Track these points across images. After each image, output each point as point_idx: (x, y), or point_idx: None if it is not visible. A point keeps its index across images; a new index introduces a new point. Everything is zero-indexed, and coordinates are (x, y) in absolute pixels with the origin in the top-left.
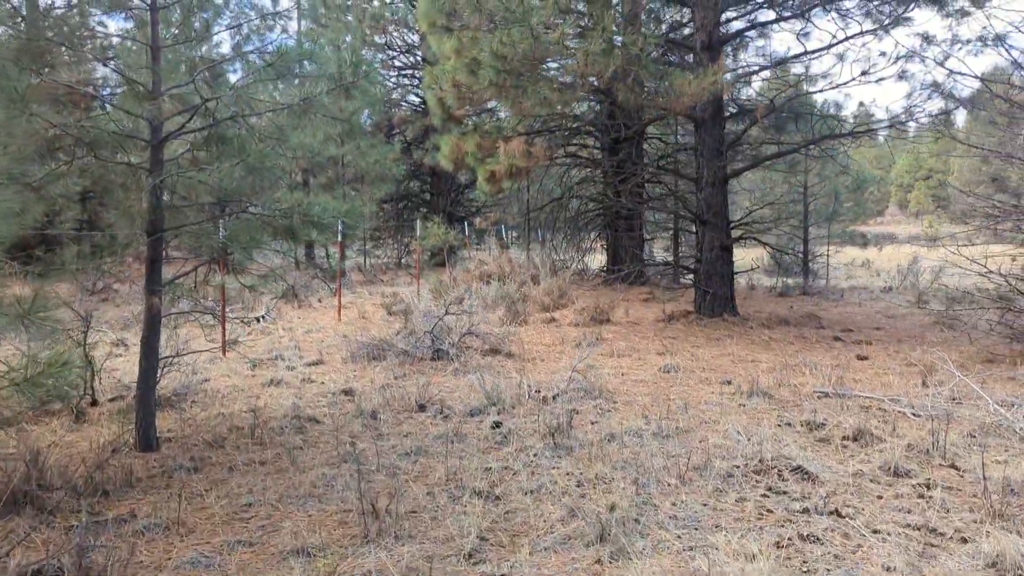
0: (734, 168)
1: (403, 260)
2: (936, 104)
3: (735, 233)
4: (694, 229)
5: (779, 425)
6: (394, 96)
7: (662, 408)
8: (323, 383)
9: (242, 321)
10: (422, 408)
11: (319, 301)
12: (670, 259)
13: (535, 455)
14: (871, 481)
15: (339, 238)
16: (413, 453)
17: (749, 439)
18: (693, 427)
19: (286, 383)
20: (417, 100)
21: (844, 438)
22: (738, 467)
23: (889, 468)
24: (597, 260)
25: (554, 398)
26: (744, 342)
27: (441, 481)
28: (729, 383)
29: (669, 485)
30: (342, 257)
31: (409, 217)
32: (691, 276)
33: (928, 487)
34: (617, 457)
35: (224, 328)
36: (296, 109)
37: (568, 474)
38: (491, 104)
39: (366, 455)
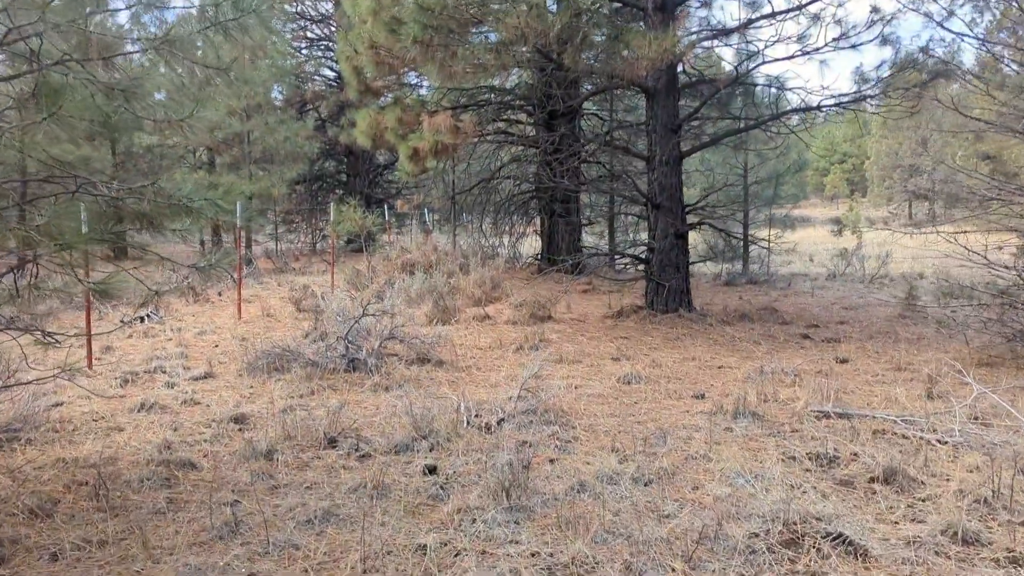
0: (685, 148)
1: (318, 246)
2: (915, 75)
3: (690, 219)
4: (642, 214)
5: (783, 459)
6: (307, 69)
7: (633, 436)
8: (209, 405)
9: (121, 322)
10: (332, 443)
11: (219, 295)
12: (617, 247)
13: (484, 522)
14: (937, 554)
15: (238, 223)
16: (318, 519)
17: (756, 486)
18: (679, 466)
19: (162, 407)
20: (332, 75)
21: (872, 479)
22: (758, 536)
23: (952, 532)
24: (529, 247)
25: (499, 424)
26: (706, 343)
27: (356, 574)
28: (703, 397)
29: (674, 571)
30: (240, 246)
31: (324, 199)
32: (641, 267)
33: (1016, 562)
34: (595, 522)
35: (89, 335)
36: (160, 51)
37: (533, 555)
38: (413, 76)
39: (253, 524)
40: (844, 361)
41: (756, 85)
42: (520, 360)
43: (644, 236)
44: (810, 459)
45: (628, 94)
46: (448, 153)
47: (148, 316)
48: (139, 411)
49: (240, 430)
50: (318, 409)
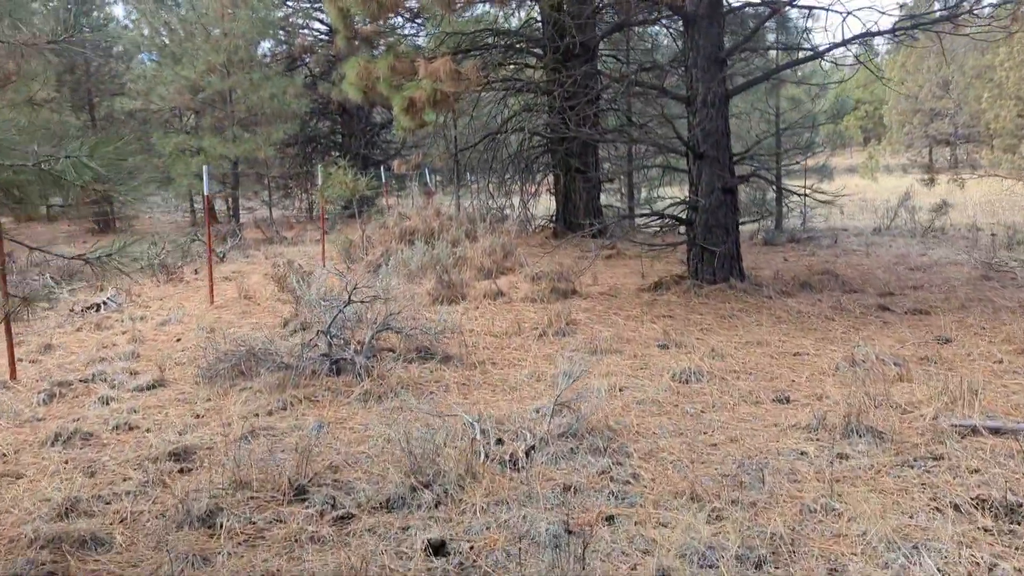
0: (732, 86)
1: (315, 213)
2: None
3: (740, 171)
4: (667, 166)
5: (939, 508)
6: (296, 22)
7: (715, 471)
8: (148, 432)
9: (72, 311)
10: (301, 494)
11: (196, 273)
12: (641, 205)
13: None
14: None
15: (205, 190)
16: None
17: (922, 564)
18: (797, 529)
19: (85, 436)
20: (323, 27)
21: None
22: None
23: None
24: (542, 207)
25: (528, 455)
26: (770, 320)
27: None
28: (788, 401)
29: None
30: (209, 218)
31: (318, 162)
32: (682, 229)
33: None
34: None
35: (9, 334)
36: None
37: None
38: (409, 27)
39: None
40: (947, 342)
41: (812, 8)
42: (545, 351)
43: (667, 193)
44: (980, 508)
45: (650, 33)
46: (448, 104)
47: (105, 303)
48: (53, 444)
49: (180, 471)
50: (288, 435)
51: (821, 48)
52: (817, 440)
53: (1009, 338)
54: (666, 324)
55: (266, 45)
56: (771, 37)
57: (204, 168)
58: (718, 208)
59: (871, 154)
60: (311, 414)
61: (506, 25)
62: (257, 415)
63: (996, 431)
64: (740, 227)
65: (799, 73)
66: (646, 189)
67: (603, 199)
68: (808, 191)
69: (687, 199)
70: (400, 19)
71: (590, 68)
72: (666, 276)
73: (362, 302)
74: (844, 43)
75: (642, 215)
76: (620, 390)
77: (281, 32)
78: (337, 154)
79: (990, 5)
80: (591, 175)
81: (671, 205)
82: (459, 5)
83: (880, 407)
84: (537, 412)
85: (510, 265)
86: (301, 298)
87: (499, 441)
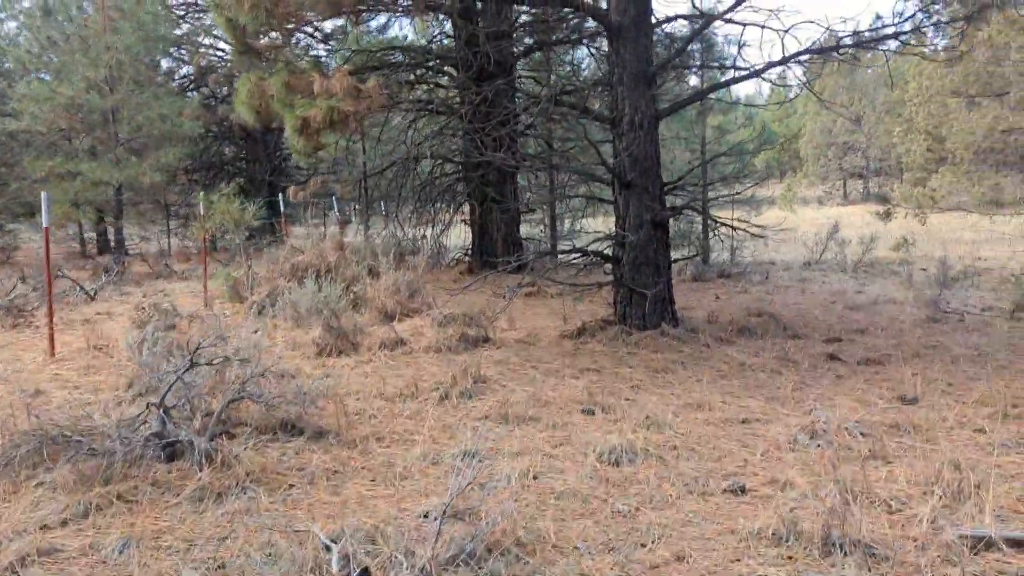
0: (663, 106)
1: (217, 243)
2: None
3: (670, 202)
4: (589, 196)
5: None
6: (196, 40)
7: None
8: None
9: None
10: None
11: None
12: (564, 239)
13: None
14: None
15: (44, 221)
16: None
17: None
18: None
19: None
20: (228, 46)
21: None
22: None
23: None
24: (458, 238)
25: None
26: (710, 375)
27: None
28: (742, 490)
29: None
30: (48, 252)
31: (209, 189)
32: (608, 268)
33: None
34: None
35: None
36: None
37: None
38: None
39: None
40: (914, 402)
41: (746, 25)
42: (446, 419)
43: (593, 226)
44: None
45: (574, 59)
46: (348, 125)
47: None
48: None
49: None
50: (76, 563)
51: (758, 67)
52: (790, 558)
53: (984, 399)
54: (591, 381)
55: (165, 64)
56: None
57: (43, 196)
58: (648, 244)
59: (789, 186)
60: (119, 524)
61: (419, 42)
62: (45, 526)
63: (1018, 544)
64: (672, 265)
65: (726, 100)
66: (570, 220)
67: (524, 231)
68: (739, 224)
69: (613, 234)
70: (301, 35)
71: (506, 88)
72: (591, 320)
73: (210, 364)
74: (783, 61)
75: (563, 251)
76: (534, 477)
77: (180, 50)
78: (243, 180)
79: (937, 24)
80: (509, 205)
81: (595, 240)
82: (348, 9)
83: (858, 502)
84: (425, 517)
85: (416, 306)
86: (132, 357)
87: (364, 572)
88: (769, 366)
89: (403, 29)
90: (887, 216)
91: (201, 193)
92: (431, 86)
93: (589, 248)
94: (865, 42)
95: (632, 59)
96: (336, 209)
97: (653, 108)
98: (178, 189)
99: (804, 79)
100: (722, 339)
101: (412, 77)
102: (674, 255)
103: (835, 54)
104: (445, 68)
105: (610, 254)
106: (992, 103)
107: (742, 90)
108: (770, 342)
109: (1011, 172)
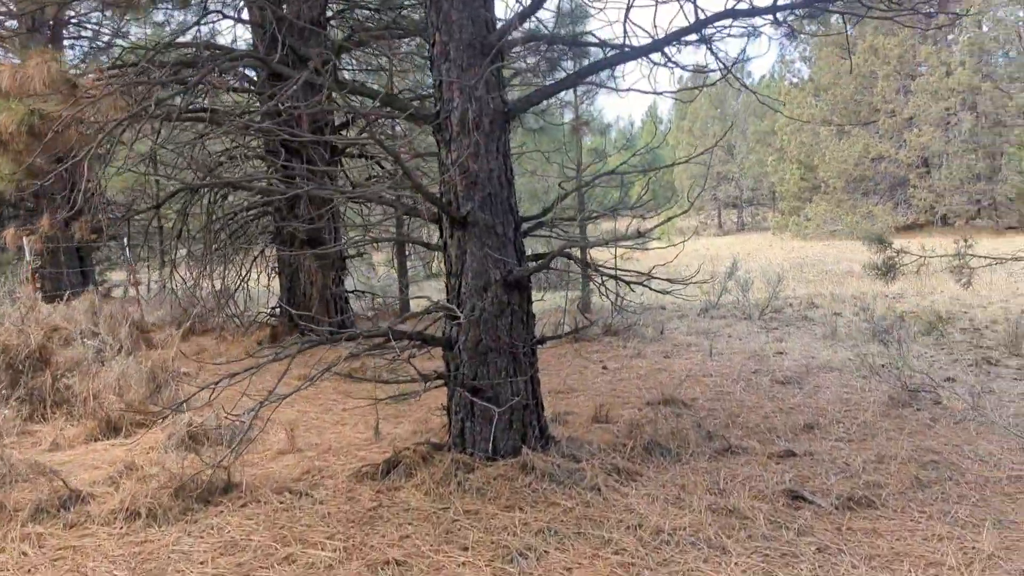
0: (515, 97)
1: None
2: None
3: (534, 246)
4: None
5: None
6: None
7: None
8: None
9: None
10: None
11: None
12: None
13: None
14: None
15: None
16: None
17: None
18: None
19: None
20: None
21: None
22: None
23: None
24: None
25: None
26: (607, 567)
27: None
28: None
29: None
30: None
31: None
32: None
33: None
34: None
35: None
36: None
37: None
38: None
39: None
40: None
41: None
42: None
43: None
44: None
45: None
46: (66, 138)
47: None
48: None
49: None
50: None
51: (657, 39)
52: None
53: None
54: None
55: None
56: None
57: None
58: (498, 317)
59: (668, 217)
60: None
61: (208, 38)
62: None
63: None
64: (536, 350)
65: (601, 121)
66: (428, 266)
67: (355, 282)
68: (628, 274)
69: (438, 303)
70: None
71: (313, 78)
72: (412, 444)
73: None
74: (691, 30)
75: (372, 334)
76: None
77: None
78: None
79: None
80: (328, 249)
81: (422, 312)
82: None
83: None
84: None
85: (157, 407)
86: None
87: None
88: (704, 534)
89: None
90: (887, 274)
91: None
92: (218, 90)
93: (393, 327)
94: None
95: (464, 21)
96: (127, 254)
97: (499, 98)
98: None
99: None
100: (619, 472)
101: (173, 75)
102: (552, 336)
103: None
104: (241, 68)
105: (439, 335)
106: (861, 131)
107: (612, 115)
108: (693, 469)
109: (881, 200)
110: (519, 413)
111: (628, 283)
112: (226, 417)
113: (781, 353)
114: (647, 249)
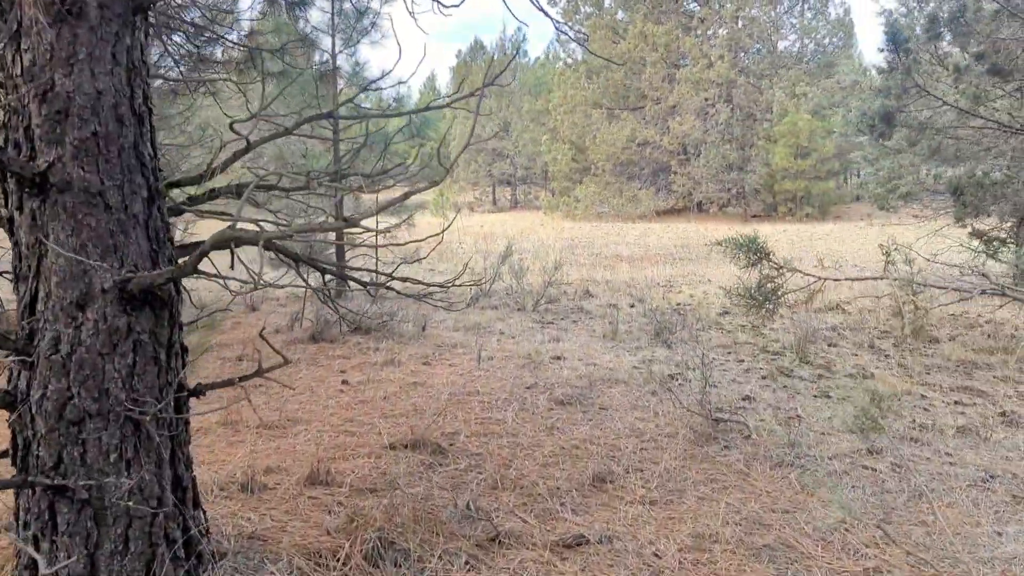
0: None
1: None
2: None
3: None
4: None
5: None
6: None
7: None
8: None
9: None
10: None
11: None
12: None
13: None
14: None
15: None
16: None
17: None
18: None
19: None
20: None
21: None
22: None
23: None
24: None
25: None
26: None
27: None
28: None
29: None
30: None
31: None
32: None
33: None
34: None
35: None
36: None
37: None
38: None
39: None
40: None
41: None
42: None
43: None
44: None
45: None
46: None
47: None
48: None
49: None
50: None
51: None
52: None
53: None
54: None
55: None
56: None
57: None
58: (107, 356)
59: (442, 191)
60: None
61: None
62: None
63: None
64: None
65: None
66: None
67: None
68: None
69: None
70: None
71: None
72: None
73: None
74: None
75: None
76: None
77: None
78: None
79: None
80: None
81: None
82: None
83: None
84: None
85: None
86: None
87: None
88: None
89: None
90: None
91: None
92: None
93: None
94: None
95: None
96: None
97: None
98: None
99: None
100: None
101: None
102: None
103: None
104: None
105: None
106: (629, 115)
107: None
108: None
109: (644, 184)
110: (143, 524)
111: (364, 285)
112: None
113: (559, 358)
114: (413, 225)
